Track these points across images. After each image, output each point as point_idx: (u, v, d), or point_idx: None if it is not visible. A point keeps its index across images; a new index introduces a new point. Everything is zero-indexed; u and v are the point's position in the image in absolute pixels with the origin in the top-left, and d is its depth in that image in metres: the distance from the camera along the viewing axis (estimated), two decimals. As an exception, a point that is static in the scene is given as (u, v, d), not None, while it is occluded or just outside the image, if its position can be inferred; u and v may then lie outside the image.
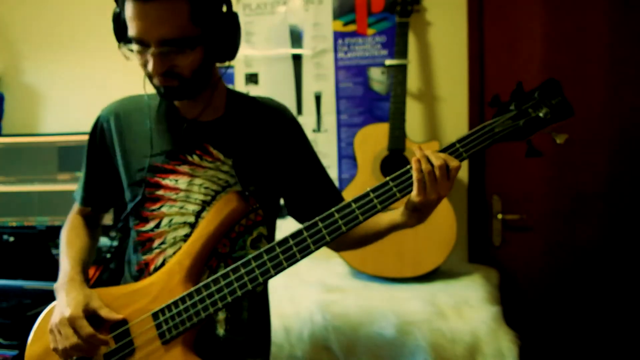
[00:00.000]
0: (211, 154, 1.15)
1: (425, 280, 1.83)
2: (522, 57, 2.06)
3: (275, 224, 1.26)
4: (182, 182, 1.14)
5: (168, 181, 1.14)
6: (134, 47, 1.02)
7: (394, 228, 1.12)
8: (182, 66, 1.03)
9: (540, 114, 0.99)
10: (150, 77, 1.06)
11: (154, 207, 1.15)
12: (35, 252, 2.13)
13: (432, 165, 0.97)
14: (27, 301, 1.77)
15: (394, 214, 1.10)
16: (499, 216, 2.10)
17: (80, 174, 1.31)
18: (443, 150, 1.00)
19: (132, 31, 1.00)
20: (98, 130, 1.23)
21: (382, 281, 1.86)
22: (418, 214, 1.03)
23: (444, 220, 1.86)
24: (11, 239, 2.20)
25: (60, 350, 1.05)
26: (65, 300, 1.07)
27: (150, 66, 1.01)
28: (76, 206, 1.33)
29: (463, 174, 2.13)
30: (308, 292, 1.74)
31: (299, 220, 1.29)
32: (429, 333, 1.47)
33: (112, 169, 1.23)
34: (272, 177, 1.19)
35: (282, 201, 1.30)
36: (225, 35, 1.08)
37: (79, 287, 1.10)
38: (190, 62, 1.03)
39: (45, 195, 2.15)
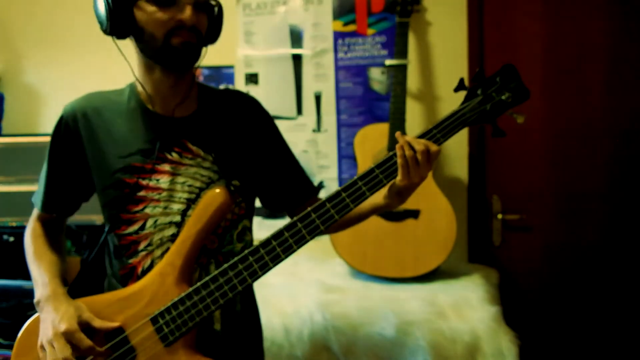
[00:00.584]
0: (191, 150, 1.13)
1: (425, 280, 1.83)
2: (522, 57, 2.06)
3: (253, 216, 1.27)
4: (163, 181, 1.11)
5: (149, 181, 1.11)
6: (151, 6, 1.04)
7: (375, 210, 1.19)
8: (201, 22, 1.08)
9: (503, 97, 1.08)
10: (168, 34, 1.04)
11: (136, 209, 1.11)
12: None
13: (414, 151, 1.04)
14: (27, 301, 1.77)
15: (376, 197, 1.14)
16: (499, 216, 2.10)
17: (41, 178, 1.22)
18: (421, 136, 1.07)
19: None
20: (62, 130, 1.16)
21: (382, 281, 1.86)
22: (401, 197, 1.11)
23: (444, 220, 1.86)
24: (11, 239, 2.20)
25: None
26: (56, 314, 1.03)
27: (186, 14, 1.03)
28: (36, 212, 1.24)
29: (463, 173, 2.13)
30: (308, 291, 1.74)
31: (273, 210, 1.31)
32: (429, 333, 1.47)
33: (78, 171, 1.16)
34: (252, 169, 1.20)
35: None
36: (219, 14, 1.14)
37: (66, 300, 1.07)
38: (206, 21, 1.09)
39: (45, 195, 2.15)
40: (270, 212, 1.92)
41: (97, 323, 1.04)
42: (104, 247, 1.22)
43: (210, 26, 1.11)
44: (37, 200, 1.23)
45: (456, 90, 1.09)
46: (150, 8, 1.04)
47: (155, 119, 1.13)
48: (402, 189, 1.07)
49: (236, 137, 1.18)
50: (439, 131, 1.07)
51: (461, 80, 1.09)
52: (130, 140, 1.12)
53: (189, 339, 1.06)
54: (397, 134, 1.06)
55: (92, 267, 1.26)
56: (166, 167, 1.12)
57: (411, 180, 1.05)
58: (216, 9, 1.13)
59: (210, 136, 1.15)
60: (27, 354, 1.08)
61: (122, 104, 1.16)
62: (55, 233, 1.25)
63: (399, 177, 1.05)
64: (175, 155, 1.12)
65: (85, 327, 1.04)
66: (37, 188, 1.25)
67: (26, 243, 1.21)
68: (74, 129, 1.15)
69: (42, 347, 1.03)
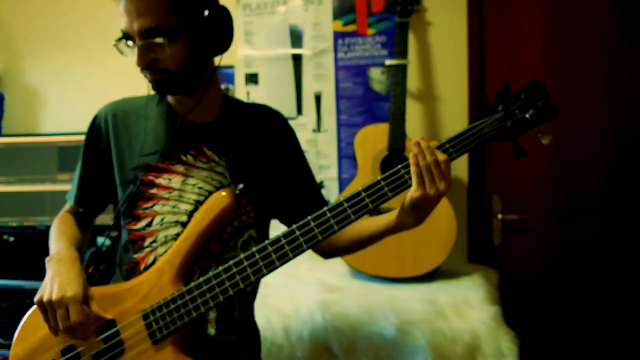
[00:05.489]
0: (205, 154, 1.15)
1: (425, 280, 1.83)
2: (522, 57, 2.06)
3: (267, 227, 1.26)
4: (175, 181, 1.14)
5: (161, 180, 1.15)
6: (127, 43, 1.07)
7: (390, 231, 1.11)
8: (164, 59, 1.06)
9: (527, 115, 1.02)
10: (143, 71, 1.09)
11: (146, 206, 1.15)
12: (35, 252, 2.13)
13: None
14: (27, 301, 1.77)
15: (390, 216, 1.10)
16: (499, 216, 2.10)
17: (75, 174, 1.28)
18: None
19: (121, 25, 1.05)
20: (95, 129, 1.22)
21: (382, 281, 1.86)
22: (416, 212, 1.03)
23: (444, 220, 1.86)
24: (11, 239, 2.20)
25: (56, 329, 1.02)
26: (68, 275, 1.04)
27: (135, 59, 1.05)
28: (67, 206, 1.29)
29: (463, 174, 2.13)
30: (308, 291, 1.73)
31: (285, 223, 1.29)
32: (429, 333, 1.47)
33: (107, 169, 1.21)
34: (264, 179, 1.20)
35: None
36: (211, 28, 1.08)
37: (79, 267, 1.08)
38: (174, 55, 1.06)
39: (45, 195, 2.15)
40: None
41: (94, 307, 1.05)
42: (117, 240, 1.25)
43: (203, 39, 1.08)
44: (71, 195, 1.28)
45: (476, 107, 1.04)
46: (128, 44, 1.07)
47: (176, 123, 1.17)
48: (418, 200, 0.99)
49: (252, 147, 1.19)
50: (452, 146, 1.01)
51: (483, 96, 1.03)
52: (151, 141, 1.17)
53: (178, 338, 1.06)
54: (414, 141, 1.00)
55: (105, 261, 1.27)
56: (179, 168, 1.15)
57: (426, 192, 0.98)
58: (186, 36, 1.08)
59: (227, 143, 1.17)
60: (26, 339, 1.09)
61: (150, 106, 1.21)
62: (82, 227, 1.28)
63: (413, 187, 0.99)
64: (190, 158, 1.15)
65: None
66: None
67: (52, 228, 1.24)
68: (105, 129, 1.21)
69: (42, 304, 1.03)
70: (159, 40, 1.03)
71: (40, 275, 1.11)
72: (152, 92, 1.20)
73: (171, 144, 1.16)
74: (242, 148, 1.18)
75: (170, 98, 1.20)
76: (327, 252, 1.26)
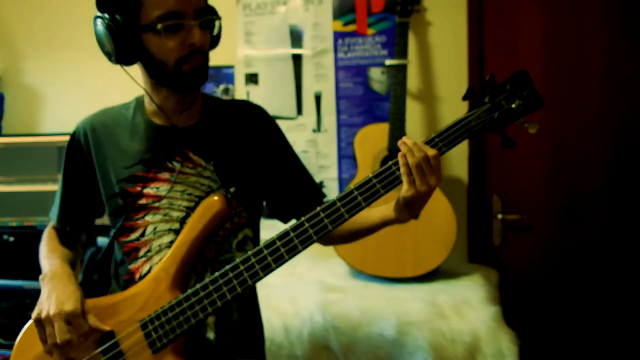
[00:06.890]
0: (192, 160, 1.13)
1: (425, 280, 1.83)
2: (522, 57, 2.06)
3: (259, 225, 1.25)
4: (163, 189, 1.12)
5: (149, 189, 1.12)
6: (159, 35, 1.01)
7: (386, 223, 1.12)
8: (206, 40, 1.07)
9: (513, 106, 1.01)
10: (180, 61, 1.04)
11: (137, 217, 1.13)
12: (35, 252, 2.12)
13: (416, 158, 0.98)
14: (27, 301, 1.77)
15: (386, 209, 1.10)
16: (499, 216, 2.09)
17: (57, 193, 1.25)
18: None
19: (164, 7, 1.00)
20: (75, 145, 1.20)
21: (382, 281, 1.86)
22: (410, 209, 1.04)
23: (444, 220, 1.86)
24: (11, 239, 2.20)
25: (50, 344, 1.02)
26: (64, 292, 1.04)
27: (196, 38, 1.03)
28: (52, 224, 1.28)
29: (463, 173, 2.13)
30: (308, 291, 1.74)
31: (282, 219, 1.28)
32: (429, 333, 1.47)
33: (90, 184, 1.19)
34: (254, 178, 1.18)
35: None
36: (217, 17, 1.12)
37: (75, 282, 1.08)
38: (209, 36, 1.09)
39: (45, 195, 2.15)
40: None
41: (92, 320, 1.04)
42: (109, 254, 1.23)
43: (211, 37, 1.11)
44: (53, 214, 1.26)
45: (465, 98, 1.03)
46: (159, 37, 1.02)
47: (158, 130, 1.15)
48: (410, 199, 1.00)
49: (238, 147, 1.17)
50: (441, 140, 1.01)
51: (470, 88, 1.03)
52: (133, 151, 1.14)
53: (178, 345, 1.06)
54: (400, 142, 1.00)
55: (97, 273, 1.26)
56: (166, 175, 1.13)
57: (418, 190, 0.98)
58: (217, 22, 1.11)
59: (212, 146, 1.15)
60: (23, 354, 1.08)
61: (127, 117, 1.18)
62: (71, 243, 1.27)
63: (404, 187, 0.99)
64: (176, 164, 1.13)
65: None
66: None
67: (40, 246, 1.23)
68: (85, 144, 1.19)
69: (39, 322, 1.03)
70: (211, 17, 1.06)
71: (40, 275, 1.10)
72: (130, 100, 1.21)
73: (155, 152, 1.13)
74: (227, 149, 1.16)
75: (148, 106, 1.16)
76: (326, 242, 1.26)
